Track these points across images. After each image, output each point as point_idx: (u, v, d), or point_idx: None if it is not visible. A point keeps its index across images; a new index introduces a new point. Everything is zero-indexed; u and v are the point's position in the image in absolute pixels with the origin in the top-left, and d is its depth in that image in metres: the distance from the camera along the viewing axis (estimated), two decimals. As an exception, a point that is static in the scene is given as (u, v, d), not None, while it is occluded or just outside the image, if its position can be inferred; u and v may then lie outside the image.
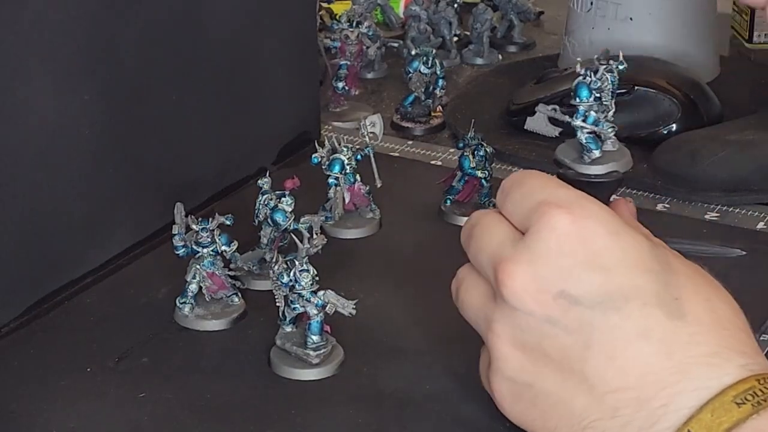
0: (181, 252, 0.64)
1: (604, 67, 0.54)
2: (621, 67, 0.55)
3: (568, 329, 0.48)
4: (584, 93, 0.55)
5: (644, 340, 0.47)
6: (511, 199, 0.51)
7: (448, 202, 0.77)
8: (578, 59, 0.55)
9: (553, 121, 0.56)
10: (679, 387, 0.46)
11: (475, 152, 0.76)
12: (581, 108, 0.55)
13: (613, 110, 0.55)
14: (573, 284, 0.47)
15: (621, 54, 0.54)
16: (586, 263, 0.47)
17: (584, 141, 0.54)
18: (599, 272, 0.47)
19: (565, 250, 0.48)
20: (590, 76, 0.55)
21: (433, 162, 0.86)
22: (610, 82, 0.55)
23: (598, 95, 0.55)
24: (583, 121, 0.55)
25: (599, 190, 0.54)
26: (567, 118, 0.55)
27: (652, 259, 0.48)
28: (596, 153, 0.54)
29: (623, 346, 0.47)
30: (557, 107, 0.55)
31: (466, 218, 0.74)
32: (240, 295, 0.65)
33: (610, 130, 0.55)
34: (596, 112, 0.55)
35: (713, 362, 0.46)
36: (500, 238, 0.51)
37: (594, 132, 0.55)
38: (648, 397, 0.46)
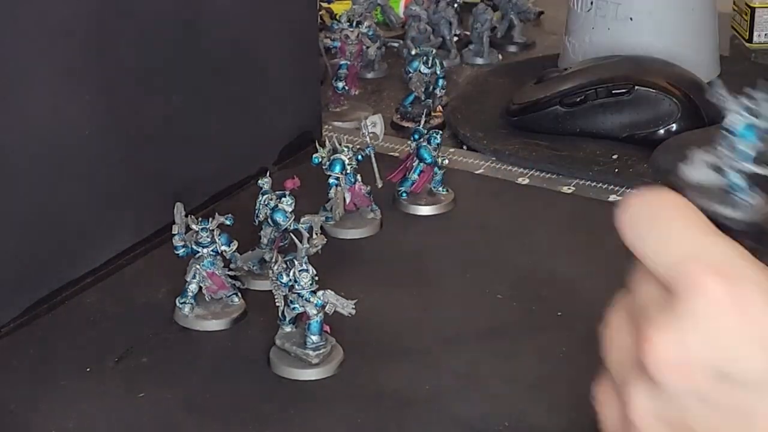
0: (181, 252, 0.64)
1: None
2: None
3: (718, 407, 0.42)
4: (751, 136, 0.47)
5: None
6: (645, 242, 0.44)
7: (404, 195, 0.78)
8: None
9: (716, 167, 0.47)
10: None
11: (430, 141, 0.76)
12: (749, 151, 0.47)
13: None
14: (729, 360, 0.42)
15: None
16: (744, 336, 0.42)
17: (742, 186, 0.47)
18: (758, 346, 0.41)
19: (720, 321, 0.41)
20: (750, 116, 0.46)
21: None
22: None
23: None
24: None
25: (754, 238, 0.47)
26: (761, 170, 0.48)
27: None
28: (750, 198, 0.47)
29: None
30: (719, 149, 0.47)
31: (422, 206, 0.77)
32: (240, 295, 0.65)
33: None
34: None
35: None
36: (649, 293, 0.44)
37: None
38: None
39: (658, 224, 0.44)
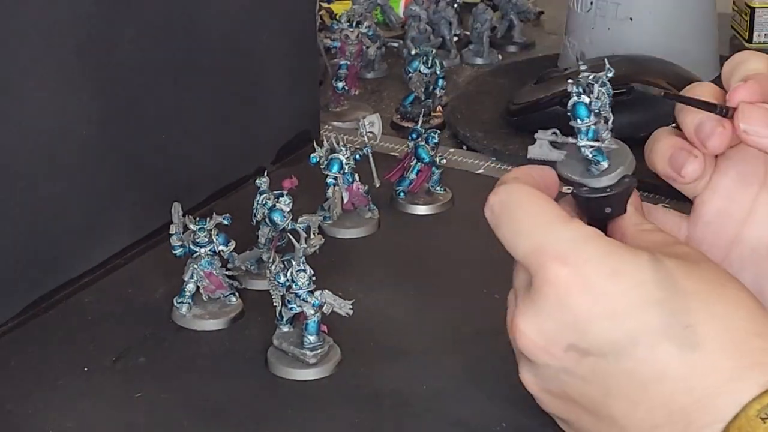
0: (178, 252, 0.64)
1: (597, 82, 0.53)
2: (610, 75, 0.53)
3: (585, 379, 0.48)
4: (583, 113, 0.53)
5: (662, 382, 0.46)
6: (504, 234, 0.51)
7: (402, 195, 0.78)
8: (569, 81, 0.54)
9: (555, 144, 0.54)
10: (704, 420, 0.45)
11: (428, 141, 0.76)
12: (583, 128, 0.53)
13: (612, 118, 0.54)
14: (580, 336, 0.47)
15: (606, 61, 0.53)
16: (589, 314, 0.47)
17: (591, 156, 0.53)
18: (604, 321, 0.47)
19: (567, 303, 0.47)
20: (587, 96, 0.53)
21: (432, 162, 0.86)
22: (606, 95, 0.53)
23: (597, 111, 0.53)
24: (587, 139, 0.53)
25: (618, 199, 0.52)
26: (570, 140, 0.54)
27: (657, 287, 0.46)
28: (604, 164, 0.53)
29: (642, 390, 0.46)
30: (557, 131, 0.54)
31: (420, 206, 0.77)
32: (237, 295, 0.65)
33: (606, 134, 0.54)
34: (595, 124, 0.53)
35: (732, 388, 0.45)
36: (517, 284, 0.51)
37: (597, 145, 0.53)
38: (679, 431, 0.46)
39: (510, 216, 0.50)
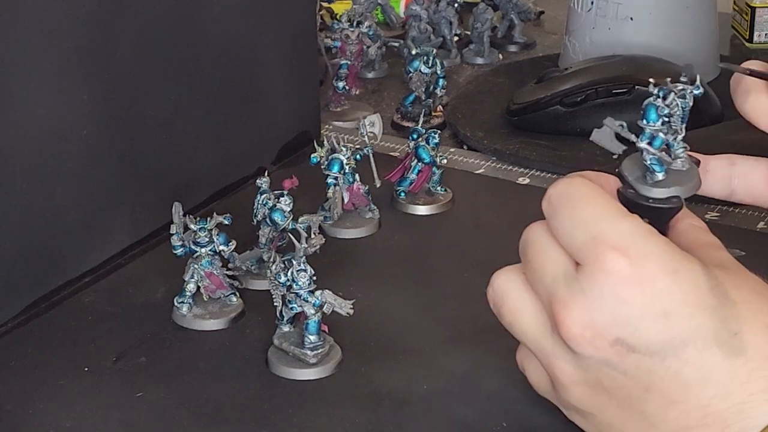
0: (179, 251, 0.64)
1: (677, 91, 0.52)
2: (696, 92, 0.52)
3: (626, 374, 0.47)
4: (653, 116, 0.52)
5: (704, 386, 0.46)
6: (561, 221, 0.49)
7: (402, 194, 0.78)
8: (651, 81, 0.52)
9: (619, 137, 0.52)
10: (738, 426, 0.45)
11: (429, 141, 0.76)
12: (647, 130, 0.52)
13: (683, 134, 0.53)
14: (630, 332, 0.47)
15: (699, 78, 0.52)
16: (643, 310, 0.46)
17: (648, 162, 0.52)
18: (657, 319, 0.46)
19: (622, 297, 0.46)
20: (660, 100, 0.52)
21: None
22: (680, 108, 0.52)
23: (667, 119, 0.52)
24: (649, 143, 0.52)
25: (657, 214, 0.51)
26: (633, 138, 0.53)
27: (710, 294, 0.46)
28: (659, 176, 0.51)
29: (683, 390, 0.46)
30: (624, 123, 0.52)
31: (420, 206, 0.77)
32: (238, 295, 0.65)
33: (681, 150, 0.52)
34: (665, 134, 0.52)
35: None
36: (554, 271, 0.49)
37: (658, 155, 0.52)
38: None
39: (571, 207, 0.49)
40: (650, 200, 0.51)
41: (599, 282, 0.47)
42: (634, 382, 0.47)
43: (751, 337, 0.46)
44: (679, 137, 0.51)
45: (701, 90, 0.51)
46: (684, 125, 0.51)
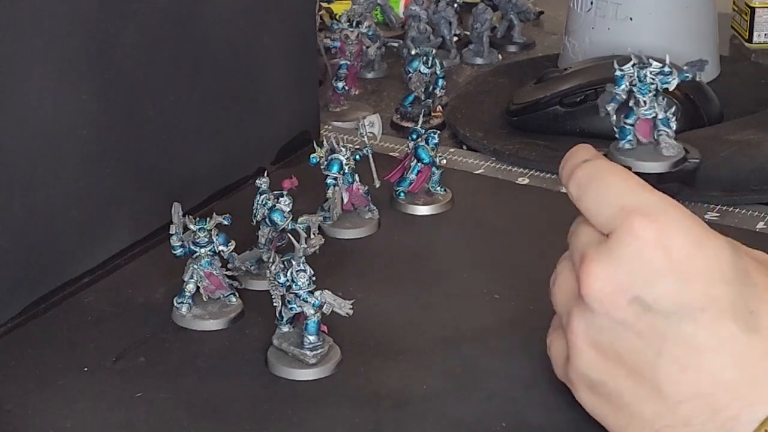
0: (178, 252, 0.64)
1: (637, 64, 0.55)
2: (666, 77, 0.56)
3: (641, 334, 0.48)
4: (619, 82, 0.57)
5: (716, 353, 0.47)
6: (589, 200, 0.51)
7: (402, 195, 0.78)
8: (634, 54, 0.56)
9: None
10: (751, 399, 0.46)
11: (428, 141, 0.76)
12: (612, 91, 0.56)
13: (647, 106, 0.56)
14: (649, 291, 0.48)
15: (691, 69, 0.55)
16: (665, 271, 0.47)
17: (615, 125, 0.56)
18: (677, 282, 0.47)
19: (645, 257, 0.48)
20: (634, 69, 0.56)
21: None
22: (638, 79, 0.55)
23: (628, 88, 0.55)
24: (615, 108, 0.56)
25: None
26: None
27: (732, 270, 0.48)
28: (621, 142, 0.55)
29: (696, 357, 0.47)
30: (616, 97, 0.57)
31: (420, 206, 0.77)
32: (237, 295, 0.65)
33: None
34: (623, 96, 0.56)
35: None
36: (588, 237, 0.51)
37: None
38: (720, 407, 0.46)
39: (597, 182, 0.51)
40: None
41: (626, 243, 0.48)
42: (647, 345, 0.48)
43: (766, 319, 0.47)
44: (643, 107, 0.55)
45: (684, 76, 0.54)
46: (649, 98, 0.55)
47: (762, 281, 0.48)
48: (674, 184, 0.54)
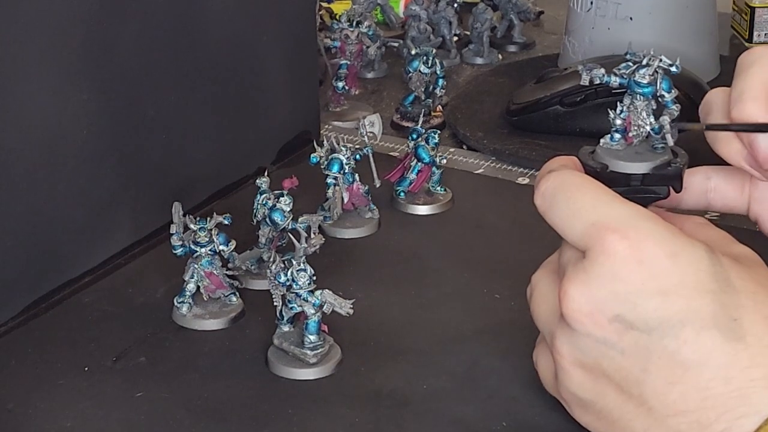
0: (179, 251, 0.64)
1: (651, 65, 0.55)
2: (605, 79, 0.55)
3: (624, 352, 0.48)
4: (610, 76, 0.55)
5: (703, 366, 0.46)
6: (558, 214, 0.50)
7: (402, 194, 0.78)
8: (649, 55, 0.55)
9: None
10: (740, 411, 0.45)
11: (428, 141, 0.76)
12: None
13: (620, 109, 0.55)
14: (629, 309, 0.47)
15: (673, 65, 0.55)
16: (642, 288, 0.47)
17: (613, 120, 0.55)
18: (655, 297, 0.47)
19: (621, 275, 0.47)
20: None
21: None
22: (604, 81, 0.55)
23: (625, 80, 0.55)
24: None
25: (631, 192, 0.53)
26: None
27: (711, 279, 0.47)
28: (615, 144, 0.55)
29: (681, 371, 0.46)
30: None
31: (420, 206, 0.77)
32: (238, 295, 0.65)
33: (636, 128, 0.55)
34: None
35: None
36: (568, 254, 0.51)
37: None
38: (709, 421, 0.46)
39: (567, 197, 0.50)
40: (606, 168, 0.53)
41: (600, 262, 0.48)
42: (632, 362, 0.47)
43: (751, 325, 0.46)
44: (620, 110, 0.54)
45: (674, 69, 0.54)
46: (623, 101, 0.54)
47: (743, 286, 0.47)
48: (661, 186, 0.53)
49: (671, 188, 0.54)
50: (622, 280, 0.47)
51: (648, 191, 0.53)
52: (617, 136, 0.55)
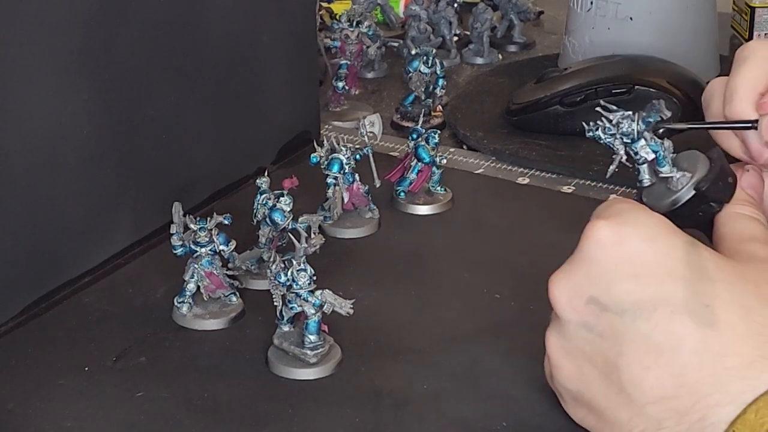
0: (179, 251, 0.64)
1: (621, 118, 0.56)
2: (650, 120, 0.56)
3: (602, 335, 0.49)
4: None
5: (675, 351, 0.47)
6: None
7: (402, 194, 0.78)
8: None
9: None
10: (714, 399, 0.46)
11: (429, 141, 0.76)
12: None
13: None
14: (602, 290, 0.48)
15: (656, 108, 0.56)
16: (615, 269, 0.48)
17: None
18: (629, 279, 0.48)
19: (596, 256, 0.49)
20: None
21: (432, 161, 0.86)
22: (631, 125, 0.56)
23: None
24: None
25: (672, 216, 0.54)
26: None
27: (686, 267, 0.48)
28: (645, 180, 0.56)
29: (655, 355, 0.47)
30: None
31: (420, 206, 0.77)
32: (238, 295, 0.65)
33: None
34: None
35: (748, 375, 0.45)
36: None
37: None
38: (685, 410, 0.46)
39: None
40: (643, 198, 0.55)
41: (581, 248, 0.50)
42: (609, 345, 0.48)
43: (724, 313, 0.47)
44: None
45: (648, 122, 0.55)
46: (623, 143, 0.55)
47: (721, 277, 0.48)
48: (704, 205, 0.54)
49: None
50: (597, 262, 0.49)
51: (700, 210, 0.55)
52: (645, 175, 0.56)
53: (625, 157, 0.55)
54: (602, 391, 0.49)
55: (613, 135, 0.55)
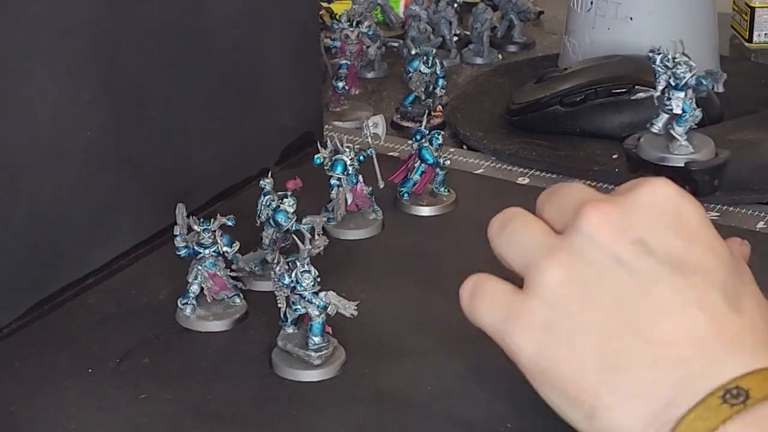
0: (182, 253, 0.64)
1: (678, 64, 0.58)
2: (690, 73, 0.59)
3: (633, 273, 0.48)
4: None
5: (701, 312, 0.47)
6: (554, 200, 0.53)
7: (406, 195, 0.78)
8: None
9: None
10: (726, 359, 0.46)
11: (432, 142, 0.76)
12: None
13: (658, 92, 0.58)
14: (655, 237, 0.48)
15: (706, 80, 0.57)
16: (674, 226, 0.48)
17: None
18: (683, 239, 0.48)
19: (658, 209, 0.49)
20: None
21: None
22: (682, 74, 0.58)
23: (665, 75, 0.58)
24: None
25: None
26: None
27: (729, 255, 0.49)
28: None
29: (681, 308, 0.47)
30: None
31: (424, 207, 0.77)
32: (242, 296, 0.65)
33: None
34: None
35: (759, 350, 0.47)
36: (588, 194, 0.51)
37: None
38: (689, 357, 0.46)
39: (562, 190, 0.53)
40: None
41: (643, 193, 0.49)
42: (637, 283, 0.48)
43: (751, 307, 0.48)
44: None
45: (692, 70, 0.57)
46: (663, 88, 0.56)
47: (752, 289, 0.49)
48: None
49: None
50: (657, 214, 0.48)
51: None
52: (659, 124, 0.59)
53: (657, 94, 0.56)
54: (600, 317, 0.48)
55: (666, 68, 0.56)
